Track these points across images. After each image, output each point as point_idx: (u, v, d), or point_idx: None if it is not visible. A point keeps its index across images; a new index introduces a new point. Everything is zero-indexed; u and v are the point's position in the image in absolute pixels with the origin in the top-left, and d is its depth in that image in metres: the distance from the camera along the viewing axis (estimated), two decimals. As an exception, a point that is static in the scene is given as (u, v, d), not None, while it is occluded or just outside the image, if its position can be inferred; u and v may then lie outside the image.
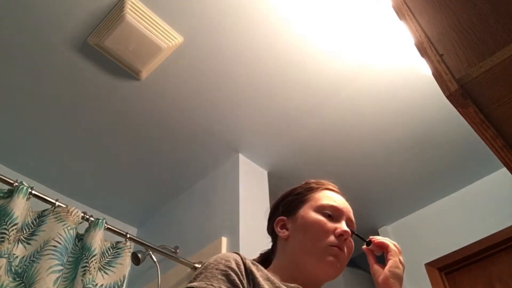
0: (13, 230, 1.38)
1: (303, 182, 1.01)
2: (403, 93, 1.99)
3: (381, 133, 2.16)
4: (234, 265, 0.77)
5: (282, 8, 1.67)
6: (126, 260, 1.67)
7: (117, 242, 1.71)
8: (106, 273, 1.60)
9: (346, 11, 1.69)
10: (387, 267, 0.83)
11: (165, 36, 1.70)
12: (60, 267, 1.42)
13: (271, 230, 0.99)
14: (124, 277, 1.63)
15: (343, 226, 0.89)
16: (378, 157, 2.27)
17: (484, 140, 0.75)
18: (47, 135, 2.11)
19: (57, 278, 1.39)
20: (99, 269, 1.59)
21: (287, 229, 0.93)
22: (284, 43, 1.79)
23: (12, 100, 1.95)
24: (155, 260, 1.99)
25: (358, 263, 2.75)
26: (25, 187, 1.48)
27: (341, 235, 0.87)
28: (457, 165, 2.32)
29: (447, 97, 0.69)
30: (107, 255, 1.65)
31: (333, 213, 0.91)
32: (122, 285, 1.61)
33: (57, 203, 1.56)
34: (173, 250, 2.15)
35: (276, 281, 0.81)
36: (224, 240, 1.93)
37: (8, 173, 2.01)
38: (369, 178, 2.39)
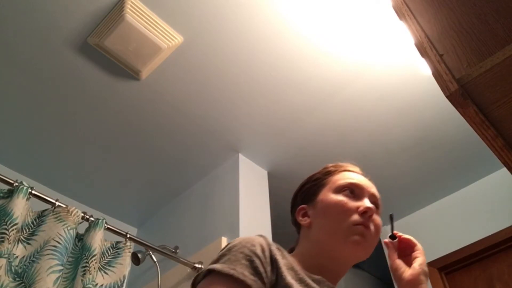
0: (13, 230, 1.38)
1: (321, 168, 0.98)
2: (403, 93, 1.99)
3: (381, 133, 2.16)
4: (259, 251, 0.74)
5: (282, 8, 1.67)
6: (126, 260, 1.67)
7: (117, 242, 1.71)
8: (106, 273, 1.60)
9: (346, 12, 1.69)
10: (417, 264, 0.81)
11: (165, 36, 1.70)
12: (60, 267, 1.42)
13: (294, 221, 0.95)
14: (124, 277, 1.63)
15: (365, 203, 0.86)
16: (378, 157, 2.27)
17: (484, 140, 0.75)
18: (47, 135, 2.11)
19: (57, 278, 1.39)
20: (99, 269, 1.59)
21: (308, 216, 0.90)
22: (284, 43, 1.79)
23: (12, 100, 1.95)
24: (155, 260, 1.99)
25: (358, 263, 2.75)
26: (25, 187, 1.48)
27: (365, 212, 0.84)
28: (457, 165, 2.32)
29: (447, 97, 0.69)
30: (107, 255, 1.65)
31: (354, 191, 0.88)
32: (122, 285, 1.61)
33: (57, 203, 1.56)
34: (173, 250, 2.15)
35: (300, 271, 0.78)
36: (224, 240, 1.93)
37: (8, 173, 2.01)
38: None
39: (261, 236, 0.79)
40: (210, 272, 0.72)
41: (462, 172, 2.37)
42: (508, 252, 2.12)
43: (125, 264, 1.66)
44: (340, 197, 0.87)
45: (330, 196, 0.88)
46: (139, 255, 1.98)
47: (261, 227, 2.03)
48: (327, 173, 0.95)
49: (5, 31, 1.69)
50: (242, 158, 2.25)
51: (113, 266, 1.63)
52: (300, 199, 0.95)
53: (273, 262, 0.75)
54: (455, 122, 2.00)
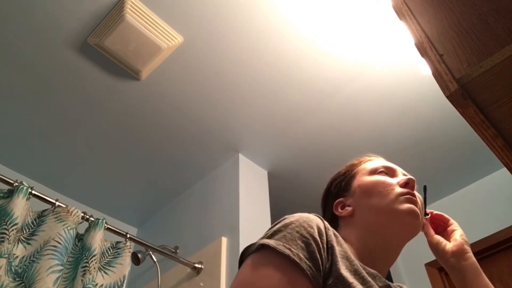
0: (13, 230, 1.38)
1: (344, 166, 0.97)
2: (403, 93, 1.99)
3: (381, 133, 2.16)
4: (316, 235, 0.68)
5: (282, 8, 1.67)
6: (126, 260, 1.67)
7: (117, 242, 1.71)
8: (106, 273, 1.60)
9: (346, 11, 1.69)
10: (458, 235, 0.83)
11: (165, 36, 1.70)
12: (60, 267, 1.42)
13: (329, 220, 0.89)
14: (124, 277, 1.63)
15: (403, 177, 0.85)
16: (378, 157, 2.27)
17: (484, 140, 0.75)
18: (47, 135, 2.11)
19: (57, 278, 1.39)
20: (99, 269, 1.59)
21: (349, 206, 0.86)
22: (284, 43, 1.79)
23: (12, 100, 1.95)
24: (155, 260, 1.99)
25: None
26: (25, 187, 1.48)
27: (406, 184, 0.83)
28: (457, 165, 2.32)
29: (447, 97, 0.69)
30: (107, 255, 1.65)
31: (388, 172, 0.88)
32: (122, 285, 1.61)
33: (57, 203, 1.56)
34: (173, 250, 2.15)
35: (355, 261, 0.73)
36: (224, 240, 1.93)
37: (8, 173, 2.01)
38: (369, 178, 2.38)
39: (318, 216, 0.74)
40: (263, 247, 0.67)
41: (462, 172, 2.37)
42: (508, 252, 2.12)
43: (125, 264, 1.66)
44: (377, 177, 0.86)
45: (367, 178, 0.87)
46: (139, 255, 1.98)
47: (261, 227, 2.03)
48: (353, 165, 0.94)
49: (5, 31, 1.69)
50: (242, 158, 2.25)
51: (113, 266, 1.63)
52: (332, 195, 0.92)
53: (329, 248, 0.69)
54: (455, 122, 2.00)
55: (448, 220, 0.89)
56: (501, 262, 2.12)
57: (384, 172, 0.87)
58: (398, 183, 0.84)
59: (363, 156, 0.97)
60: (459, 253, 0.82)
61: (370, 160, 0.94)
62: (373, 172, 0.88)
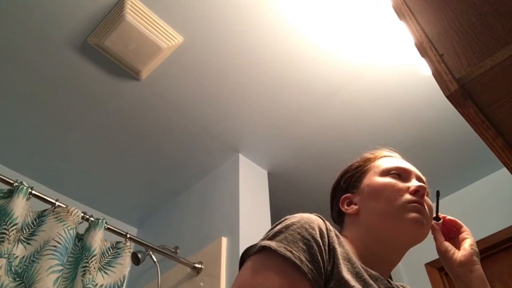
0: (13, 230, 1.38)
1: (359, 158, 0.94)
2: (403, 93, 1.99)
3: (381, 133, 2.16)
4: (318, 237, 0.67)
5: (282, 8, 1.67)
6: (126, 260, 1.67)
7: (117, 242, 1.71)
8: (106, 273, 1.60)
9: (346, 11, 1.69)
10: (468, 244, 0.81)
11: (165, 36, 1.70)
12: (60, 267, 1.42)
13: (336, 214, 0.89)
14: (124, 277, 1.63)
15: (415, 183, 0.83)
16: (378, 157, 2.27)
17: (484, 140, 0.75)
18: (47, 135, 2.11)
19: (57, 278, 1.39)
20: (99, 269, 1.59)
21: (355, 204, 0.85)
22: (284, 43, 1.79)
23: (12, 100, 1.95)
24: (155, 260, 1.99)
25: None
26: (25, 187, 1.48)
27: (417, 191, 0.80)
28: (457, 165, 2.32)
29: (447, 97, 0.69)
30: (107, 255, 1.65)
31: (401, 174, 0.85)
32: (122, 285, 1.61)
33: (57, 203, 1.56)
34: (173, 250, 2.15)
35: (357, 263, 0.72)
36: (224, 240, 1.93)
37: (8, 173, 2.01)
38: (369, 178, 2.38)
39: (319, 217, 0.73)
40: (264, 248, 0.66)
41: (462, 172, 2.37)
42: (508, 252, 2.12)
43: (125, 264, 1.66)
44: (388, 179, 0.83)
45: (377, 179, 0.84)
46: (139, 255, 1.98)
47: (261, 227, 2.03)
48: (367, 160, 0.91)
49: (5, 31, 1.69)
50: (242, 158, 2.25)
51: (113, 266, 1.63)
52: (341, 189, 0.90)
53: (331, 251, 0.68)
54: (455, 122, 2.00)
55: (461, 227, 0.86)
56: (501, 262, 2.12)
57: (397, 174, 0.85)
58: (408, 189, 0.81)
59: (378, 150, 0.95)
60: (466, 264, 0.79)
61: (385, 157, 0.92)
62: (385, 173, 0.85)
